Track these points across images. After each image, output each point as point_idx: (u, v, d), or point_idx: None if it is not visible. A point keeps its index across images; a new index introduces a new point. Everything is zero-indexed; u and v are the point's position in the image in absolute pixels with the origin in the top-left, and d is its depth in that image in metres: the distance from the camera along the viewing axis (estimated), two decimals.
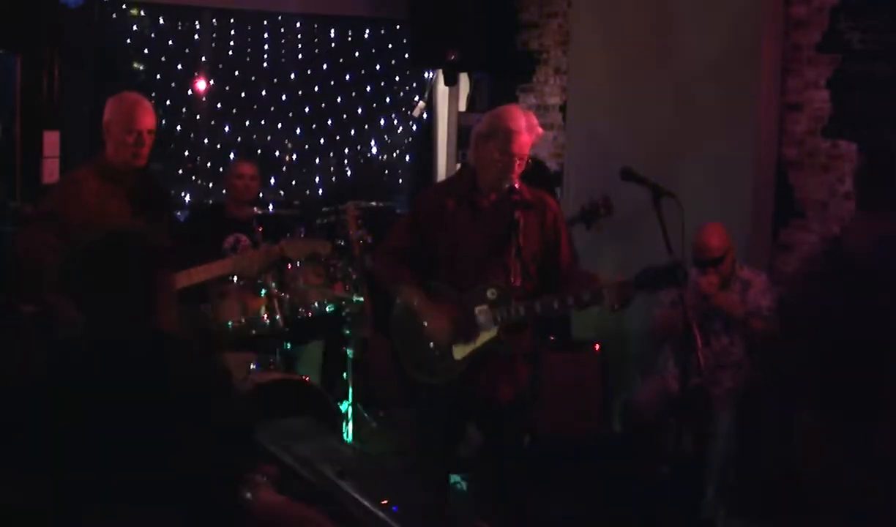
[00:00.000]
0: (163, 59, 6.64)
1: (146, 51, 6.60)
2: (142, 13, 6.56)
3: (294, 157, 7.26)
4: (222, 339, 4.81)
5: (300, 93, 7.18)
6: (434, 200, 3.72)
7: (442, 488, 3.76)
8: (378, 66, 7.43)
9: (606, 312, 3.53)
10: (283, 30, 7.09)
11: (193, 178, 6.93)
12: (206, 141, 6.91)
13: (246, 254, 4.61)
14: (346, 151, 7.43)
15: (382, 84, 7.48)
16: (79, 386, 2.08)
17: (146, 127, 3.93)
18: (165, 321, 2.21)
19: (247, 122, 7.03)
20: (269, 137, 7.14)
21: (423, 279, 3.64)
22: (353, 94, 7.35)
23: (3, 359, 1.81)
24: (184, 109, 6.78)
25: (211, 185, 6.90)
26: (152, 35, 6.60)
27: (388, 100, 7.53)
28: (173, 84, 6.69)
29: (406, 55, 7.31)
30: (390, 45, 7.44)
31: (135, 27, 6.57)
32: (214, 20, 6.84)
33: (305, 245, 4.72)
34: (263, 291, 4.72)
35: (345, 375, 5.29)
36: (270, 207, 5.76)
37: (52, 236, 3.73)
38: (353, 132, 7.42)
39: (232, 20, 6.91)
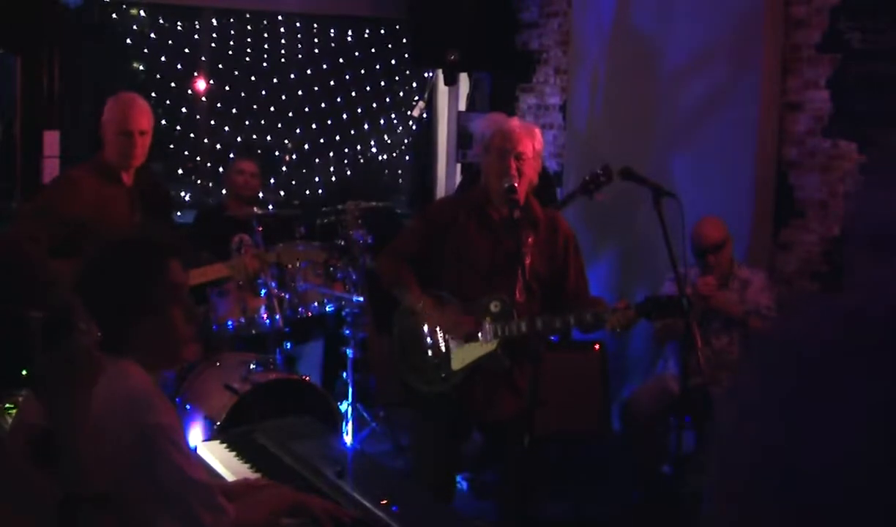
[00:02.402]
0: (163, 59, 6.64)
1: (146, 51, 6.60)
2: (142, 13, 6.56)
3: (294, 157, 7.26)
4: (222, 339, 4.82)
5: (300, 93, 7.18)
6: (447, 211, 3.74)
7: (443, 495, 3.75)
8: (378, 66, 7.43)
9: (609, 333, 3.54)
10: (283, 30, 7.09)
11: (193, 178, 6.93)
12: (206, 141, 6.91)
13: (242, 258, 4.64)
14: (346, 150, 7.42)
15: (382, 84, 7.48)
16: None
17: (139, 128, 3.95)
18: (182, 331, 2.23)
19: (247, 122, 7.03)
20: (269, 137, 7.14)
21: (427, 287, 3.65)
22: (353, 94, 7.35)
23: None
24: (184, 109, 6.78)
25: (211, 185, 6.90)
26: (152, 35, 6.60)
27: (388, 100, 7.53)
28: (173, 84, 6.68)
29: (406, 55, 7.31)
30: (390, 45, 7.44)
31: (135, 27, 6.57)
32: (214, 20, 6.84)
33: (301, 254, 4.77)
34: (263, 291, 4.72)
35: (345, 375, 5.29)
36: (270, 207, 5.76)
37: (42, 232, 3.73)
38: (353, 132, 7.42)
39: (232, 20, 6.90)
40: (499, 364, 3.56)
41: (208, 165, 6.91)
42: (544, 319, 3.49)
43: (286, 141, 7.21)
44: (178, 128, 6.78)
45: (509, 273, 3.53)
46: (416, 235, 3.73)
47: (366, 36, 7.37)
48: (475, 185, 3.88)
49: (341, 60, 7.29)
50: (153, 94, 6.52)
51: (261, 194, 5.77)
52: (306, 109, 7.23)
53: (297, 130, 7.24)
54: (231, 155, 6.74)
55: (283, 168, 7.24)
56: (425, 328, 3.63)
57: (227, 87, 6.92)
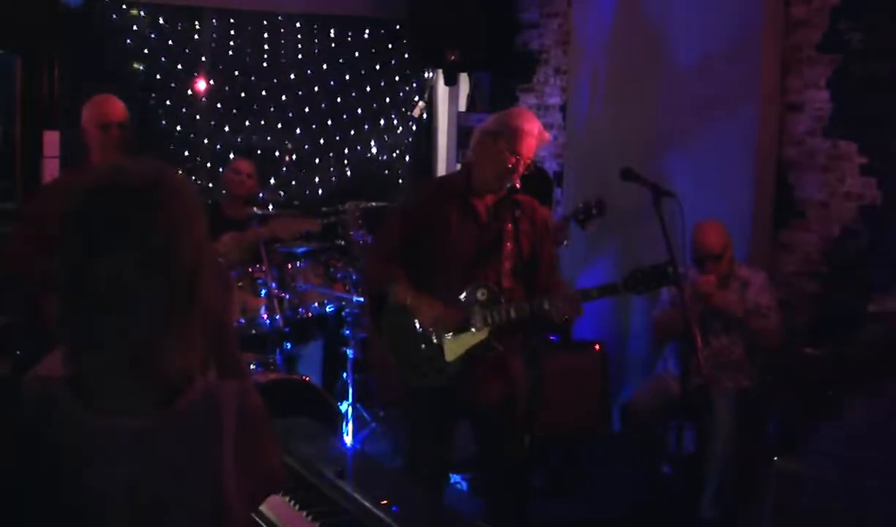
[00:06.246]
0: (163, 59, 6.63)
1: (146, 51, 6.59)
2: (142, 13, 6.55)
3: (294, 157, 7.26)
4: None
5: (300, 93, 7.18)
6: (428, 197, 3.71)
7: (437, 488, 3.75)
8: (378, 66, 7.43)
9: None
10: (283, 30, 7.09)
11: (193, 178, 6.93)
12: (206, 141, 6.91)
13: (236, 237, 4.66)
14: (346, 151, 7.42)
15: (382, 84, 7.47)
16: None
17: (116, 118, 4.05)
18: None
19: (247, 122, 7.03)
20: (269, 137, 7.14)
21: (414, 280, 3.63)
22: (353, 94, 7.35)
23: None
24: (184, 109, 6.78)
25: (211, 185, 6.90)
26: (152, 35, 6.59)
27: (388, 100, 7.53)
28: (173, 84, 6.68)
29: (406, 55, 7.31)
30: (390, 45, 7.44)
31: (135, 27, 6.56)
32: (214, 20, 6.84)
33: (295, 224, 4.78)
34: (263, 292, 4.73)
35: (345, 375, 5.29)
36: (270, 207, 5.76)
37: (31, 243, 3.75)
38: (353, 132, 7.42)
39: (232, 20, 6.90)
40: (491, 351, 3.56)
41: (208, 165, 6.91)
42: (532, 304, 3.48)
43: (286, 141, 7.21)
44: (178, 128, 6.78)
45: (493, 260, 3.53)
46: (397, 230, 3.70)
47: (366, 36, 7.37)
48: (459, 170, 3.88)
49: (341, 60, 7.29)
50: (153, 95, 6.52)
51: (261, 195, 5.77)
52: (306, 109, 7.22)
53: (297, 130, 7.23)
54: (231, 155, 6.75)
55: (283, 168, 7.24)
56: (416, 322, 3.63)
57: (227, 87, 6.92)
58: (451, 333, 3.55)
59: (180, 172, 6.65)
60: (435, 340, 3.60)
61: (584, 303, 3.48)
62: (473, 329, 3.54)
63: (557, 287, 3.59)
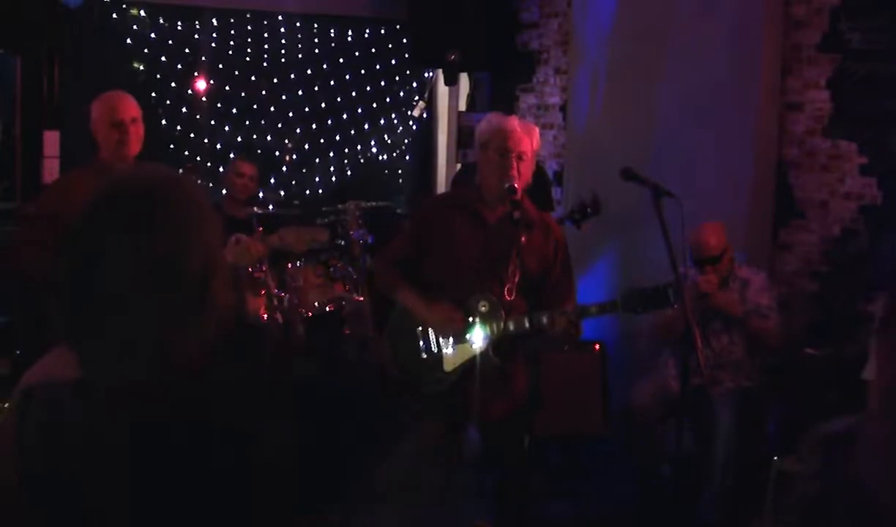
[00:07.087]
0: (163, 59, 6.64)
1: (146, 51, 6.59)
2: (142, 13, 6.56)
3: (294, 157, 7.26)
4: None
5: (300, 93, 7.18)
6: (438, 211, 3.72)
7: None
8: (378, 66, 7.43)
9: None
10: (283, 30, 7.09)
11: (193, 178, 6.93)
12: (206, 141, 6.91)
13: (245, 244, 4.65)
14: (346, 150, 7.42)
15: (382, 84, 7.48)
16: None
17: (130, 116, 4.00)
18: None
19: (247, 122, 7.03)
20: (269, 137, 7.14)
21: (422, 286, 3.64)
22: (353, 94, 7.35)
23: None
24: (184, 109, 6.78)
25: (211, 185, 6.91)
26: (152, 35, 6.59)
27: (388, 100, 7.53)
28: (173, 84, 6.68)
29: (406, 55, 7.31)
30: (390, 45, 7.44)
31: (135, 27, 6.56)
32: (214, 20, 6.84)
33: (303, 234, 4.77)
34: (263, 292, 4.73)
35: None
36: (270, 207, 5.77)
37: (45, 236, 3.75)
38: (353, 132, 7.42)
39: (232, 20, 6.90)
40: (490, 364, 3.54)
41: (208, 164, 6.91)
42: (532, 318, 3.47)
43: (286, 141, 7.21)
44: (178, 128, 6.78)
45: (499, 273, 3.52)
46: (409, 238, 3.72)
47: (366, 36, 7.37)
48: (469, 183, 3.88)
49: (341, 60, 7.29)
50: (153, 94, 6.52)
51: (261, 194, 5.78)
52: (306, 109, 7.23)
53: (297, 130, 7.24)
54: (231, 155, 6.75)
55: (283, 168, 7.24)
56: (419, 330, 3.63)
57: (227, 87, 6.92)
58: (452, 340, 3.56)
59: (181, 171, 6.65)
60: (435, 350, 3.60)
61: (582, 319, 3.48)
62: (472, 342, 3.53)
63: (565, 306, 3.56)
